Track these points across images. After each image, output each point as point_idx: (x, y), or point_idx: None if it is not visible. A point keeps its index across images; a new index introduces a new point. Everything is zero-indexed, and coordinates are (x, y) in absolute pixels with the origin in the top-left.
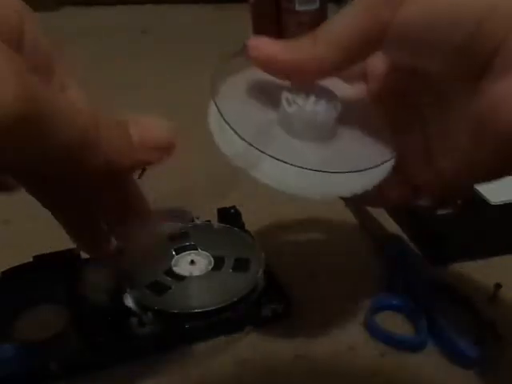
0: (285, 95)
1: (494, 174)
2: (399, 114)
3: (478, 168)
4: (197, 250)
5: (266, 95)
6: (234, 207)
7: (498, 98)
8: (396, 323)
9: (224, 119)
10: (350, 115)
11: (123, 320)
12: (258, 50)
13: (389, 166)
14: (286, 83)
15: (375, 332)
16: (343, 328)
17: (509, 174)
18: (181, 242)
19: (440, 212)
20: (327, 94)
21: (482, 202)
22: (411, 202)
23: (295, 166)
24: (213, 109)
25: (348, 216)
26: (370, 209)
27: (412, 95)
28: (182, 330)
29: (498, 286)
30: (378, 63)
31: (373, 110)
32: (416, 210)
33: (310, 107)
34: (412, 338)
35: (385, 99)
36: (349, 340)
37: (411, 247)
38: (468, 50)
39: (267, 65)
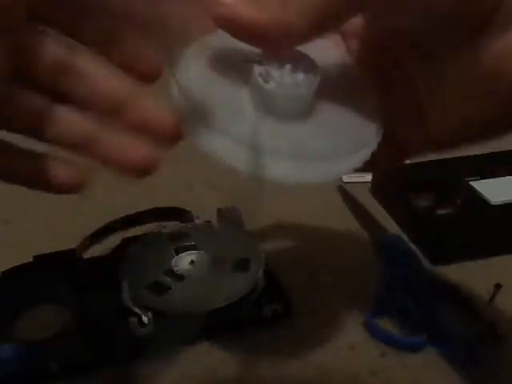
0: (258, 70)
1: (491, 132)
2: (384, 73)
3: (472, 126)
4: (197, 250)
5: (234, 68)
6: (234, 207)
7: (502, 52)
8: (396, 323)
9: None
10: (330, 82)
11: (123, 320)
12: (218, 4)
13: (379, 135)
14: (255, 50)
15: (375, 332)
16: (343, 328)
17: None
18: (181, 241)
19: (440, 212)
20: (304, 60)
21: (481, 202)
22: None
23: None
24: (176, 87)
25: (348, 216)
26: (369, 209)
27: (397, 53)
28: (182, 330)
29: (498, 286)
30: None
31: (355, 71)
32: (416, 209)
33: (288, 79)
34: (412, 338)
35: (366, 57)
36: (349, 340)
37: (411, 247)
38: (465, 6)
39: (226, 22)
